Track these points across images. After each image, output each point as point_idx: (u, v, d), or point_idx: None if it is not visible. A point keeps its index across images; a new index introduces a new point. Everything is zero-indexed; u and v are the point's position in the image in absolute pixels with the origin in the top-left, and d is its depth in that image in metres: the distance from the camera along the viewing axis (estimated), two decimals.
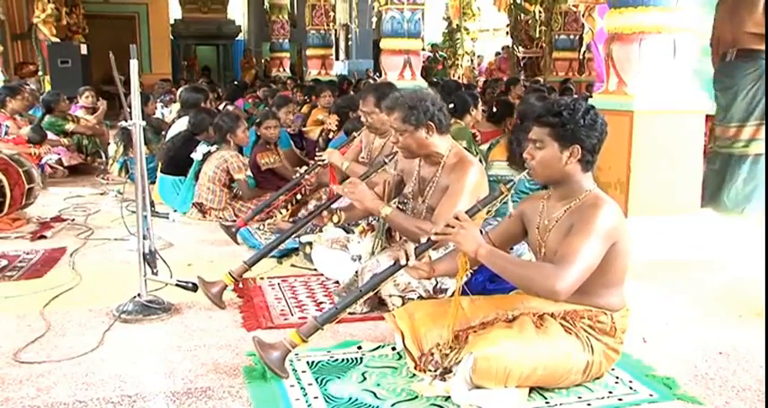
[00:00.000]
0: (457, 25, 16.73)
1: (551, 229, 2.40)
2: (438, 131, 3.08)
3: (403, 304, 3.00)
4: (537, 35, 14.15)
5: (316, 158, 4.29)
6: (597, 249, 2.23)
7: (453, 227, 2.31)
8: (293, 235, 3.63)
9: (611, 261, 2.29)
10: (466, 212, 2.41)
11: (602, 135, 2.34)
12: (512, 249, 3.83)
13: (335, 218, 3.40)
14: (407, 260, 2.49)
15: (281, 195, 4.43)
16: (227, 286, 3.30)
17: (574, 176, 2.37)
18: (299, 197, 4.44)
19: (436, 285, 3.08)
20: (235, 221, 4.97)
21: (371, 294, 2.71)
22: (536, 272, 2.24)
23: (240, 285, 3.47)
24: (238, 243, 4.40)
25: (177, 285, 3.24)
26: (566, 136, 2.31)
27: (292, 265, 3.96)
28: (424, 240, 2.53)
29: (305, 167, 4.40)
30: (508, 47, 16.22)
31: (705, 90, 4.88)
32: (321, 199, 4.65)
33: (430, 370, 2.38)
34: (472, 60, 17.67)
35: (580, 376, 2.36)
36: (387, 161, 3.42)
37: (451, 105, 4.72)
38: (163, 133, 6.81)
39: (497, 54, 18.10)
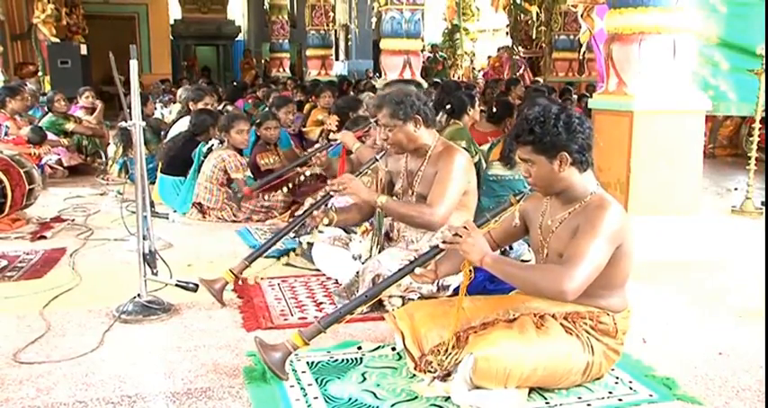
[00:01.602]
0: (455, 25, 16.73)
1: (554, 230, 2.40)
2: (425, 124, 3.22)
3: (403, 304, 3.01)
4: (536, 35, 14.15)
5: (329, 137, 4.38)
6: (605, 250, 2.23)
7: (461, 236, 2.31)
8: (288, 232, 3.63)
9: (615, 263, 2.29)
10: (475, 223, 2.41)
11: (584, 132, 2.32)
12: (511, 248, 3.84)
13: (330, 216, 3.41)
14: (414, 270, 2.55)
15: (292, 169, 4.55)
16: (227, 283, 3.31)
17: (574, 178, 2.36)
18: (308, 173, 4.52)
19: (439, 282, 3.09)
20: (234, 221, 4.99)
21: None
22: (543, 274, 2.25)
23: (240, 282, 3.47)
24: (240, 209, 4.50)
25: (177, 285, 3.24)
26: (547, 148, 2.30)
27: (287, 263, 3.94)
28: (430, 248, 2.55)
29: (318, 144, 4.47)
30: (508, 47, 16.21)
31: (703, 90, 4.87)
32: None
33: (430, 371, 2.38)
34: (472, 60, 17.64)
35: (580, 377, 2.36)
36: (378, 158, 3.48)
37: (449, 106, 4.73)
38: (162, 133, 6.81)
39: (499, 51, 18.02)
